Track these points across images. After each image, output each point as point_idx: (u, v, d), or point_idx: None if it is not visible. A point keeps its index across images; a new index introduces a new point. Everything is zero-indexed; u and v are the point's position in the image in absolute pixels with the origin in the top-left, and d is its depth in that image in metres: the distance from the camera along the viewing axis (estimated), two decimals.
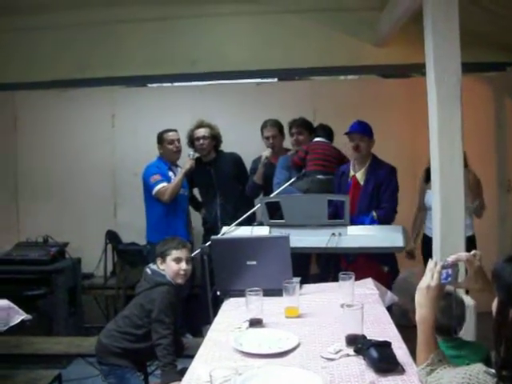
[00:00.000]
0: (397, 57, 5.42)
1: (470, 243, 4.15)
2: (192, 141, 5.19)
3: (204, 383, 1.99)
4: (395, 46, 5.36)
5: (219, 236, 3.80)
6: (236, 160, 5.27)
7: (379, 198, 4.27)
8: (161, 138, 5.11)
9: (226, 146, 5.32)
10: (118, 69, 5.65)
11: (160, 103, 5.86)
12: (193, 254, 3.58)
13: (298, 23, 5.51)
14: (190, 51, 5.61)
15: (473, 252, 1.85)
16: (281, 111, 5.31)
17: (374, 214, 4.12)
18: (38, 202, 5.90)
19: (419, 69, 4.43)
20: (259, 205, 4.08)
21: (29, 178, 5.98)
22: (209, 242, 3.43)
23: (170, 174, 5.06)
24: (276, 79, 5.98)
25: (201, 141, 5.12)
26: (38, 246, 5.18)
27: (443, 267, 1.79)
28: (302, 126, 4.96)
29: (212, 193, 5.20)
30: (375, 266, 4.11)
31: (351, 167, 4.44)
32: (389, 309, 3.00)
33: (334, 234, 3.65)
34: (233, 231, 3.92)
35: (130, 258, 5.37)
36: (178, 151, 5.15)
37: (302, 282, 3.19)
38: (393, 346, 2.08)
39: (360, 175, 4.37)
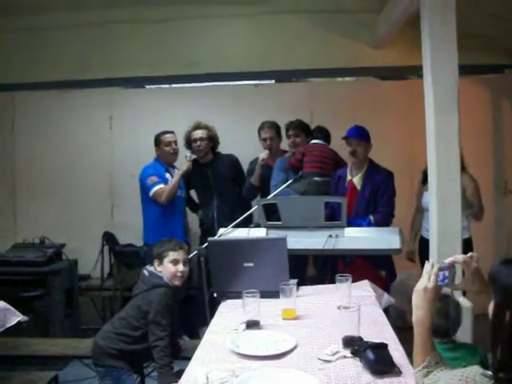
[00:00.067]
0: (394, 59, 5.43)
1: (467, 245, 4.15)
2: (189, 142, 5.18)
3: None
4: (393, 48, 5.37)
5: (216, 238, 3.80)
6: (233, 162, 5.27)
7: (376, 202, 4.27)
8: (158, 140, 5.12)
9: (223, 148, 5.32)
10: (116, 70, 5.65)
11: (158, 105, 5.85)
12: (190, 256, 3.57)
13: (295, 25, 5.51)
14: (188, 53, 5.62)
15: (470, 254, 1.85)
16: (278, 113, 5.31)
17: (372, 217, 4.13)
18: (35, 202, 5.89)
19: (416, 71, 4.45)
20: (256, 206, 4.09)
21: (26, 179, 5.97)
22: (206, 244, 3.43)
23: (167, 175, 5.06)
24: (273, 81, 5.98)
25: (198, 142, 5.12)
26: (34, 247, 5.17)
27: (440, 269, 1.79)
28: (299, 128, 4.95)
29: (209, 194, 5.19)
30: (372, 267, 4.12)
31: (348, 172, 4.45)
32: (385, 311, 3.00)
33: (330, 235, 3.66)
34: (230, 233, 3.93)
35: (127, 260, 5.37)
36: (175, 153, 5.15)
37: (299, 284, 3.20)
38: (389, 348, 2.08)
39: (357, 180, 4.38)
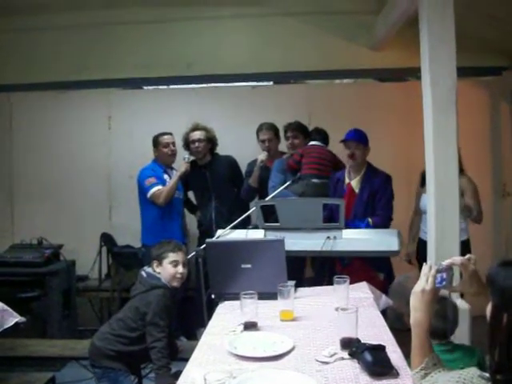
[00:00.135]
0: (393, 61, 5.43)
1: (465, 247, 4.14)
2: (187, 144, 5.18)
3: None
4: (391, 49, 5.37)
5: (214, 239, 3.80)
6: (231, 163, 5.26)
7: (374, 206, 4.27)
8: (156, 142, 5.12)
9: (222, 149, 5.31)
10: (113, 71, 5.65)
11: (156, 106, 5.85)
12: (188, 257, 3.57)
13: (294, 26, 5.51)
14: (187, 54, 5.62)
15: (467, 256, 1.85)
16: (276, 114, 5.32)
17: (370, 220, 4.13)
18: (33, 203, 5.88)
19: (415, 73, 4.45)
20: (254, 208, 4.08)
21: (24, 180, 5.97)
22: (204, 245, 3.43)
23: (166, 176, 5.06)
24: (272, 82, 5.98)
25: (196, 144, 5.12)
26: (32, 248, 5.16)
27: (438, 271, 1.79)
28: (298, 129, 4.96)
29: (207, 196, 5.19)
30: (370, 269, 4.12)
31: (346, 175, 4.45)
32: (383, 312, 3.00)
33: (328, 237, 3.66)
34: (228, 234, 3.92)
35: (125, 261, 5.36)
36: (173, 154, 5.15)
37: (297, 286, 3.20)
38: (387, 350, 2.08)
39: (355, 183, 4.38)
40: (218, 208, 5.12)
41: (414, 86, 4.65)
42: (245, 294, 2.56)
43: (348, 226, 3.89)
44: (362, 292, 3.15)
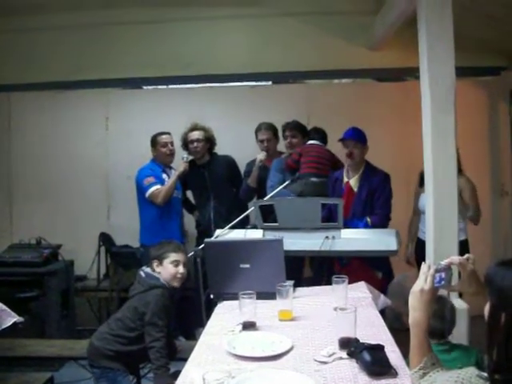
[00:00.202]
0: (391, 61, 5.43)
1: (463, 247, 4.14)
2: (186, 144, 5.18)
3: None
4: (390, 49, 5.37)
5: (213, 239, 3.80)
6: (230, 163, 5.26)
7: (373, 204, 4.27)
8: (154, 141, 5.12)
9: (220, 149, 5.31)
10: (112, 71, 5.65)
11: (154, 106, 5.85)
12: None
13: (292, 26, 5.52)
14: (185, 54, 5.62)
15: (466, 255, 1.85)
16: (275, 114, 5.32)
17: (368, 219, 4.13)
18: (32, 203, 5.87)
19: (413, 73, 4.45)
20: (253, 208, 4.08)
21: (22, 180, 5.96)
22: (202, 245, 3.43)
23: (164, 176, 5.06)
24: (270, 82, 5.98)
25: (195, 144, 5.12)
26: (30, 247, 5.15)
27: (436, 271, 1.79)
28: (296, 128, 4.96)
29: (206, 195, 5.19)
30: (369, 269, 4.12)
31: (345, 173, 4.45)
32: (382, 312, 3.00)
33: (327, 237, 3.66)
34: (226, 234, 3.92)
35: (124, 261, 5.35)
36: (172, 154, 5.15)
37: (296, 285, 3.19)
38: (386, 350, 2.08)
39: (353, 182, 4.38)
40: (217, 208, 5.12)
41: (412, 86, 4.65)
42: (243, 294, 2.56)
43: (346, 225, 3.90)
44: (361, 292, 3.15)
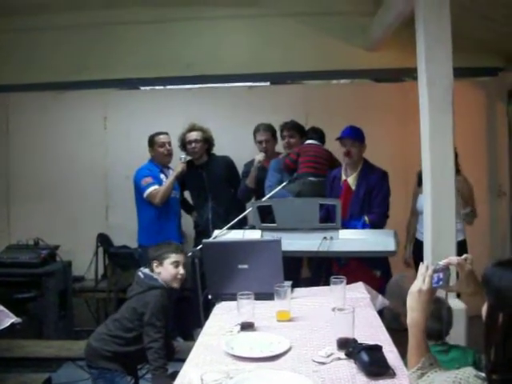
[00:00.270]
0: (389, 61, 5.44)
1: (462, 248, 4.14)
2: (184, 144, 5.18)
3: None
4: (387, 50, 5.38)
5: (211, 239, 3.79)
6: (228, 163, 5.26)
7: (371, 202, 4.27)
8: (152, 141, 5.11)
9: (219, 150, 5.31)
10: (111, 71, 5.65)
11: (152, 106, 5.84)
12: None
13: (291, 27, 5.52)
14: (183, 54, 5.62)
15: (464, 256, 1.85)
16: (273, 115, 5.31)
17: (366, 218, 4.13)
18: (30, 204, 5.86)
19: (411, 73, 4.45)
20: (251, 208, 4.08)
21: (20, 180, 5.95)
22: (200, 246, 3.43)
23: (162, 176, 5.06)
24: (268, 83, 5.98)
25: (193, 144, 5.11)
26: (28, 248, 5.14)
27: (435, 271, 1.79)
28: (294, 128, 4.96)
29: (203, 196, 5.18)
30: (367, 269, 4.12)
31: (343, 172, 4.45)
32: (380, 312, 3.00)
33: (325, 237, 3.66)
34: (224, 235, 3.92)
35: (122, 261, 5.35)
36: (169, 154, 5.15)
37: (294, 286, 3.20)
38: (384, 350, 2.08)
39: (352, 180, 4.38)
40: (215, 208, 5.12)
41: (410, 87, 4.66)
42: (241, 295, 2.56)
43: (344, 225, 3.90)
44: (359, 292, 3.15)
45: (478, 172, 5.48)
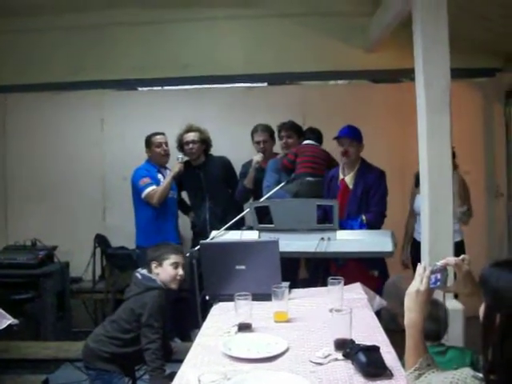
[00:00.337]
0: (387, 62, 5.45)
1: (459, 248, 4.15)
2: (181, 145, 5.17)
3: None
4: (385, 51, 5.39)
5: (208, 240, 3.79)
6: (225, 164, 5.26)
7: (368, 201, 4.27)
8: (148, 142, 5.11)
9: (216, 150, 5.31)
10: (108, 72, 5.65)
11: (150, 107, 5.84)
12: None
13: (288, 28, 5.53)
14: (181, 55, 5.63)
15: (461, 256, 1.85)
16: (271, 116, 5.31)
17: (363, 217, 4.12)
18: (27, 204, 5.86)
19: (409, 74, 4.46)
20: (248, 209, 4.08)
21: (18, 181, 5.95)
22: (198, 246, 3.43)
23: (160, 176, 5.06)
24: (266, 84, 5.98)
25: (190, 145, 5.11)
26: (26, 249, 5.13)
27: (432, 272, 1.79)
28: (291, 129, 4.95)
29: (201, 196, 5.18)
30: (365, 270, 4.12)
31: (340, 171, 4.45)
32: (378, 313, 3.00)
33: (323, 238, 3.65)
34: (222, 235, 3.92)
35: (119, 262, 5.35)
36: (166, 154, 5.15)
37: (291, 287, 3.19)
38: (381, 351, 2.08)
39: (349, 179, 4.38)
40: (212, 209, 5.11)
41: (408, 88, 4.66)
42: (239, 296, 2.56)
43: (341, 225, 3.90)
44: (356, 293, 3.15)
45: (476, 173, 5.49)
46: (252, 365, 2.18)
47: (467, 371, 1.51)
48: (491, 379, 1.41)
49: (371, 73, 5.73)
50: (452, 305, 3.49)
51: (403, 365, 1.88)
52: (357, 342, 2.16)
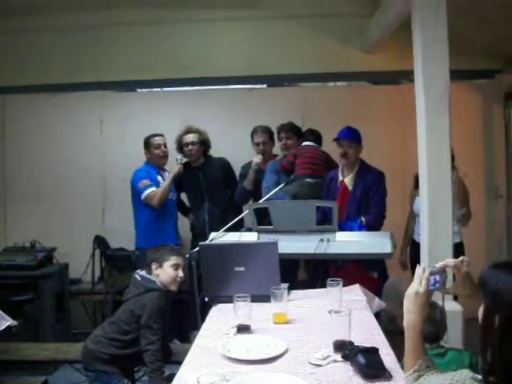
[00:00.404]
0: (386, 63, 5.44)
1: (458, 250, 4.15)
2: (181, 146, 5.17)
3: None
4: (385, 52, 5.39)
5: (207, 242, 3.79)
6: (224, 165, 5.25)
7: (367, 203, 4.27)
8: (147, 143, 5.11)
9: (216, 152, 5.31)
10: (107, 73, 5.64)
11: (149, 108, 5.84)
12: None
13: (287, 29, 5.53)
14: (180, 56, 5.63)
15: (461, 258, 1.85)
16: (271, 117, 5.30)
17: (363, 219, 4.12)
18: (26, 206, 5.86)
19: (408, 75, 4.46)
20: (247, 211, 4.08)
21: (17, 182, 5.95)
22: (197, 248, 3.43)
23: (159, 178, 5.05)
24: (265, 85, 5.99)
25: (189, 147, 5.11)
26: (25, 250, 5.13)
27: (431, 273, 1.79)
28: (291, 130, 4.96)
29: (200, 197, 5.18)
30: (364, 271, 4.12)
31: (339, 172, 4.45)
32: (377, 315, 3.00)
33: (322, 239, 3.65)
34: (221, 237, 3.91)
35: (119, 264, 5.34)
36: (165, 156, 5.15)
37: (290, 288, 3.19)
38: (380, 352, 2.08)
39: (348, 180, 4.38)
40: (211, 210, 5.11)
41: (407, 89, 4.65)
42: (238, 297, 2.55)
43: (341, 226, 3.89)
44: (355, 294, 3.15)
45: (475, 174, 5.49)
46: (251, 366, 2.18)
47: (466, 373, 1.51)
48: (490, 381, 1.41)
49: (371, 74, 5.73)
50: (451, 306, 3.49)
51: (402, 366, 1.87)
52: (356, 344, 2.16)
